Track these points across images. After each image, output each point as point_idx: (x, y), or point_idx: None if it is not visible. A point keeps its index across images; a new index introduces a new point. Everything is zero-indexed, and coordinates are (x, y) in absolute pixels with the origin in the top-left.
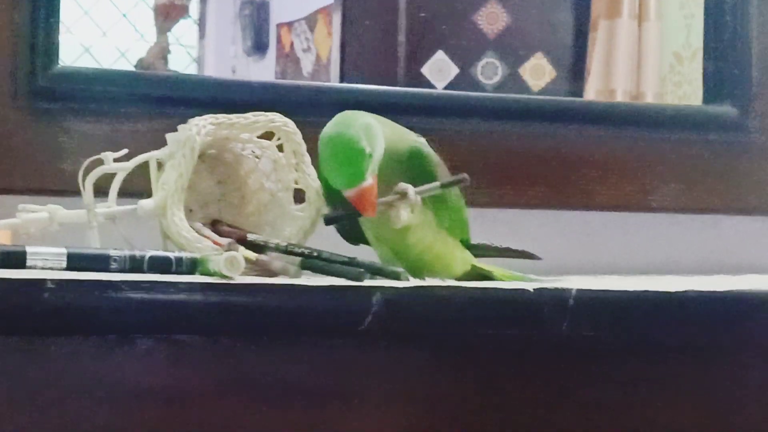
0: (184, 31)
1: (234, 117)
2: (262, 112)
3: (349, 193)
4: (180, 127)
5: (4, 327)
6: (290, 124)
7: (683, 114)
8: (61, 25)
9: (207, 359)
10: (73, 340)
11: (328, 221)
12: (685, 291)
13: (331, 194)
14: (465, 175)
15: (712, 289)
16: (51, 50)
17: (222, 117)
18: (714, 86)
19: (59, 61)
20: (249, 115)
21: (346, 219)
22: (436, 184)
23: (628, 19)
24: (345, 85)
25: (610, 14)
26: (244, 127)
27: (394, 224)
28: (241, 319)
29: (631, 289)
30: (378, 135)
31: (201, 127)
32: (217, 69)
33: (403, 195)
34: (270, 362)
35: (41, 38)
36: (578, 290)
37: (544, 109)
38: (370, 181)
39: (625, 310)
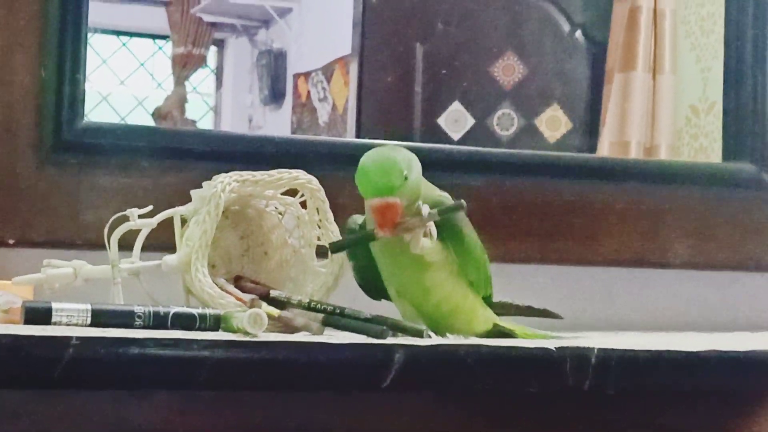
0: (201, 80)
1: (258, 174)
2: (287, 170)
3: (375, 201)
4: (205, 183)
5: (30, 382)
6: (314, 182)
7: (702, 170)
8: None
9: (230, 415)
10: (97, 396)
11: (335, 248)
12: (708, 351)
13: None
14: (462, 201)
15: (732, 348)
16: (76, 105)
17: (247, 174)
18: (733, 143)
19: (84, 116)
20: (273, 172)
21: (354, 244)
22: (451, 205)
23: (642, 72)
24: (361, 140)
25: (624, 67)
26: (268, 184)
27: (413, 249)
28: (264, 376)
29: (652, 347)
30: (417, 170)
31: (226, 185)
32: (233, 118)
33: (418, 213)
34: (293, 418)
35: (67, 93)
36: (600, 349)
37: (560, 164)
38: (398, 200)
39: (648, 369)
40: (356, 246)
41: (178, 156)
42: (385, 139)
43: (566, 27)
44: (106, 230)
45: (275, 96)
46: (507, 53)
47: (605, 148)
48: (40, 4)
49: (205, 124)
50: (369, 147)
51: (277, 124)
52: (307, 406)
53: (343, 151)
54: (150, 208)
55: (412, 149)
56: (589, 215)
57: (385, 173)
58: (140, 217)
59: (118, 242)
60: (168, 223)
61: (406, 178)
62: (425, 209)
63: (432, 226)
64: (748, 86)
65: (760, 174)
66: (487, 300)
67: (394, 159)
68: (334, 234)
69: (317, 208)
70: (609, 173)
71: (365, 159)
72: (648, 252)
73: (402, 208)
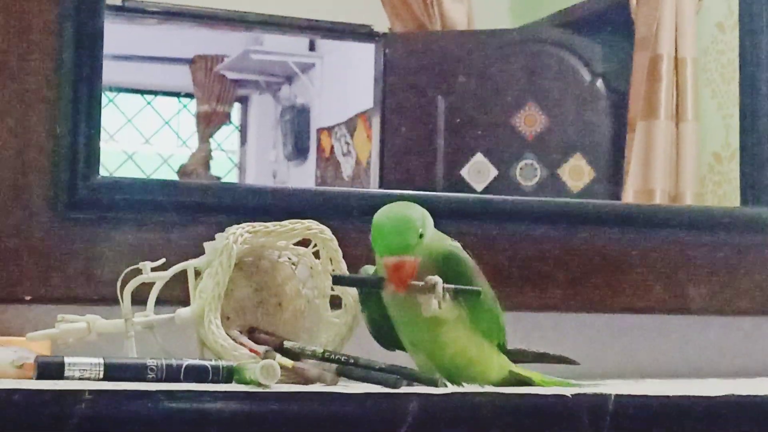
0: (225, 137)
1: (271, 225)
2: (299, 220)
3: (389, 260)
4: (217, 235)
5: None
6: (326, 231)
7: (720, 216)
8: (104, 133)
9: None
10: None
11: (337, 281)
12: (727, 395)
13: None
14: (479, 289)
15: (754, 393)
16: (91, 160)
17: (259, 225)
18: (751, 188)
19: (99, 171)
20: (286, 222)
21: (359, 284)
22: (469, 289)
23: (665, 120)
24: (384, 191)
25: (647, 115)
26: (281, 234)
27: (425, 311)
28: (278, 428)
29: (671, 394)
30: (430, 226)
31: (238, 236)
32: (258, 174)
33: (432, 287)
34: None
35: (82, 149)
36: (618, 396)
37: (582, 213)
38: (413, 258)
39: (667, 417)
40: (361, 286)
41: (195, 210)
42: (408, 191)
43: (587, 77)
44: (119, 284)
45: (299, 151)
46: (528, 104)
47: (629, 197)
48: (54, 60)
49: (230, 180)
50: (389, 197)
51: (302, 179)
52: None
53: (364, 202)
54: (163, 261)
55: (431, 199)
56: (608, 262)
57: (400, 232)
58: (153, 270)
59: (132, 296)
60: (182, 276)
61: (421, 236)
62: (440, 285)
63: (445, 294)
64: (763, 131)
65: None
66: (501, 347)
67: (409, 217)
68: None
69: (330, 258)
70: (627, 220)
71: (380, 216)
72: (668, 298)
73: (417, 266)
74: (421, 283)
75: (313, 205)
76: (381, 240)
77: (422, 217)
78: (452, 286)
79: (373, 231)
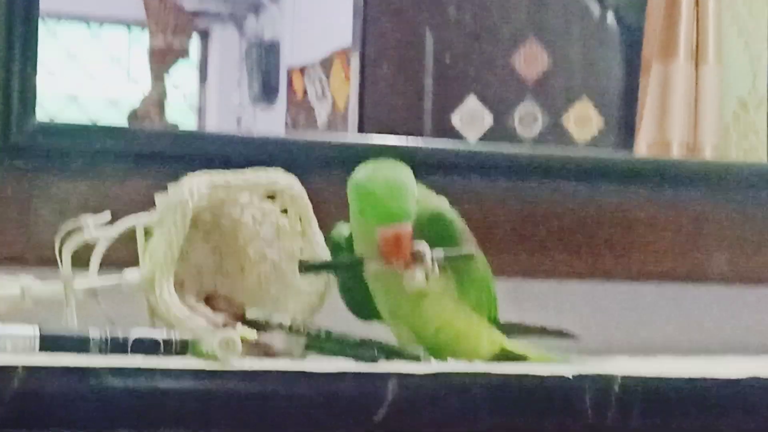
0: (182, 75)
1: (231, 177)
2: (263, 168)
3: (386, 230)
4: (171, 186)
5: None
6: (295, 185)
7: (744, 171)
8: (41, 70)
9: None
10: None
11: (304, 268)
12: (750, 378)
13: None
14: (472, 252)
15: None
16: (27, 101)
17: (218, 176)
18: None
19: (36, 114)
20: (248, 172)
21: (330, 269)
22: (456, 250)
23: (684, 62)
24: (361, 139)
25: (664, 56)
26: (243, 187)
27: (408, 287)
28: (238, 409)
29: (685, 374)
30: (415, 189)
31: (194, 190)
32: (219, 119)
33: (419, 257)
34: None
35: (16, 88)
36: (624, 376)
37: (588, 167)
38: (410, 228)
39: (682, 402)
40: (336, 270)
41: (145, 159)
42: (392, 140)
43: (596, 10)
44: (57, 243)
45: (267, 93)
46: (529, 40)
47: (643, 150)
48: None
49: (188, 126)
50: (368, 146)
51: (269, 125)
52: None
53: (340, 152)
54: (108, 216)
55: (418, 148)
56: (616, 224)
57: (396, 197)
58: (97, 227)
59: (72, 257)
60: (130, 235)
61: (417, 202)
62: (428, 253)
63: (436, 267)
64: None
65: None
66: (493, 320)
67: (402, 180)
68: (319, 246)
69: (300, 216)
70: (637, 175)
71: (368, 180)
72: (684, 264)
73: (411, 235)
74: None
75: (282, 154)
76: (375, 208)
77: (411, 178)
78: (441, 254)
79: (363, 197)
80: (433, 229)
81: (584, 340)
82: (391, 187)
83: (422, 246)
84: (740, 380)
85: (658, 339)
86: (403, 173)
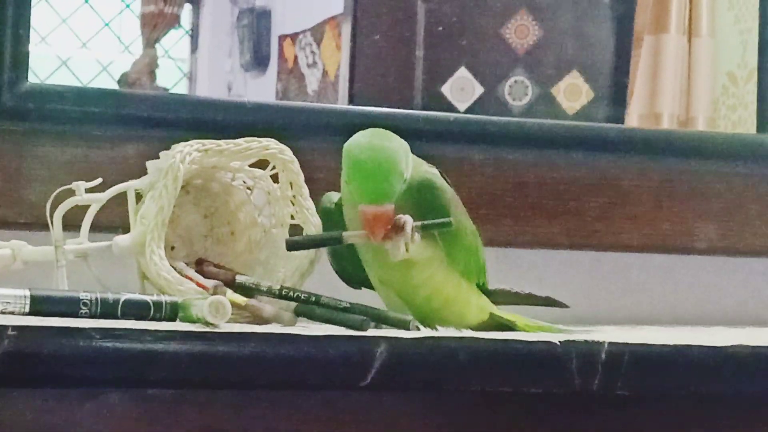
0: (174, 42)
1: (223, 143)
2: (255, 138)
3: (368, 209)
4: (162, 153)
5: None
6: (287, 152)
7: (732, 143)
8: (34, 35)
9: (187, 416)
10: (36, 394)
11: (292, 246)
12: (736, 346)
13: (330, 221)
14: (449, 219)
15: (764, 343)
16: (19, 65)
17: (210, 143)
18: None
19: (28, 77)
20: (240, 140)
21: (316, 245)
22: (438, 222)
23: (676, 35)
24: (352, 107)
25: (655, 28)
26: (235, 154)
27: (392, 257)
28: (227, 372)
29: (671, 342)
30: (411, 162)
31: (186, 154)
32: (210, 85)
33: (401, 228)
34: (259, 419)
35: (8, 51)
36: (611, 343)
37: (576, 136)
38: (392, 206)
39: (666, 367)
40: (320, 246)
41: (139, 124)
42: (382, 109)
43: None
44: (48, 206)
45: (258, 61)
46: (520, 12)
47: (633, 121)
48: None
49: (179, 92)
50: (359, 114)
51: (260, 92)
52: (275, 408)
53: (331, 120)
54: (99, 180)
55: (409, 117)
56: (604, 193)
57: (384, 177)
58: (88, 191)
59: (64, 221)
60: (121, 199)
61: (405, 181)
62: (409, 225)
63: (416, 236)
64: None
65: None
66: (482, 287)
67: (393, 159)
68: (309, 212)
69: (291, 182)
70: (626, 146)
71: (360, 153)
72: (673, 235)
73: (394, 212)
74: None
75: (273, 121)
76: (361, 183)
77: (405, 154)
78: (419, 222)
79: (351, 168)
80: (421, 197)
81: (571, 310)
82: (381, 166)
83: (404, 217)
84: (725, 347)
85: (645, 309)
86: (398, 149)
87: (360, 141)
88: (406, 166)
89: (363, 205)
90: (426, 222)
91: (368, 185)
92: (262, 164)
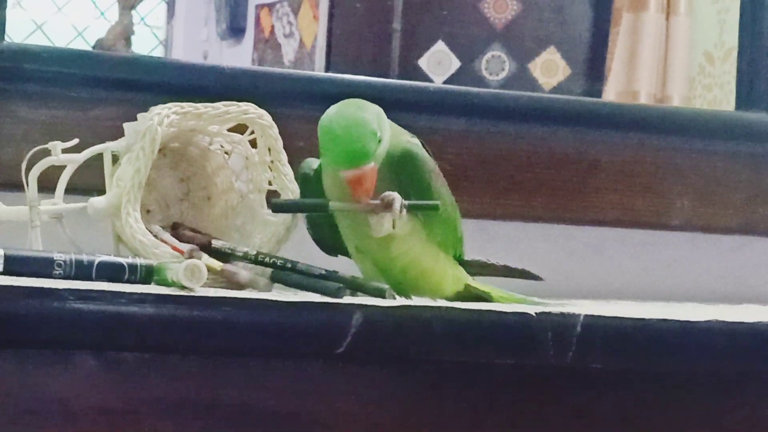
0: (150, 9)
1: (202, 106)
2: (234, 102)
3: (348, 173)
4: (140, 115)
5: None
6: (266, 117)
7: (711, 120)
8: None
9: (160, 380)
10: (7, 354)
11: (277, 208)
12: (708, 321)
13: (308, 188)
14: (437, 203)
15: (738, 319)
16: None
17: (188, 106)
18: (748, 90)
19: (4, 37)
20: (219, 104)
21: (300, 210)
22: (425, 204)
23: (655, 13)
24: (331, 74)
25: (635, 6)
26: (213, 118)
27: (375, 233)
28: (201, 336)
29: (646, 316)
30: (387, 126)
31: (163, 117)
32: (186, 53)
33: (388, 204)
34: (232, 386)
35: None
36: (586, 316)
37: (554, 110)
38: (373, 164)
39: (639, 341)
40: (305, 212)
41: (114, 86)
42: (360, 77)
43: None
44: (23, 166)
45: (234, 30)
46: None
47: (611, 99)
48: None
49: None
50: (335, 82)
51: (236, 61)
52: (249, 374)
53: (307, 87)
54: (76, 141)
55: (386, 86)
56: (581, 167)
57: (357, 138)
58: (64, 151)
59: (39, 181)
60: (97, 160)
61: (379, 141)
62: (398, 202)
63: (404, 214)
64: (766, 29)
65: None
66: (458, 258)
67: (364, 120)
68: (287, 178)
69: (269, 148)
70: (604, 120)
71: (330, 122)
72: (646, 211)
73: (375, 173)
74: (377, 201)
75: (251, 88)
76: (334, 149)
77: (377, 117)
78: (407, 202)
79: (323, 138)
80: (402, 168)
81: (546, 283)
82: (351, 128)
83: (392, 194)
84: (699, 322)
85: (619, 284)
86: (369, 112)
87: (330, 112)
88: (379, 126)
89: (342, 171)
90: (413, 202)
91: (341, 149)
92: (240, 129)
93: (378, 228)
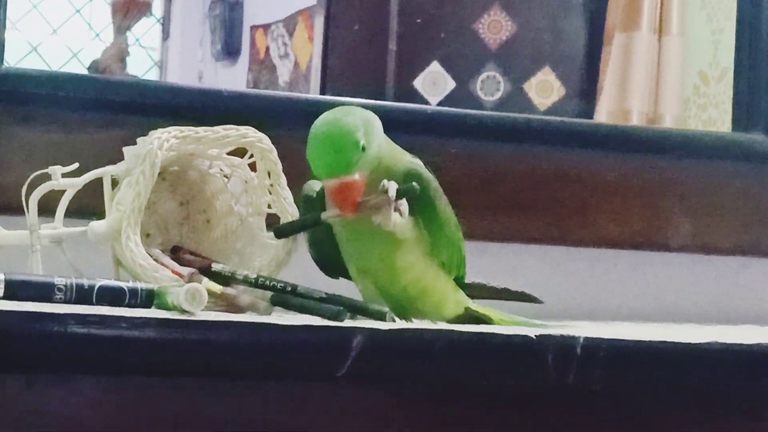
0: (145, 30)
1: (201, 130)
2: (234, 126)
3: (329, 183)
4: (139, 139)
5: None
6: (265, 140)
7: (708, 141)
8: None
9: (162, 403)
10: (8, 379)
11: (279, 233)
12: (708, 343)
13: (311, 210)
14: (414, 185)
15: (737, 341)
16: None
17: (188, 130)
18: (745, 111)
19: (3, 61)
20: (218, 128)
21: (301, 229)
22: (409, 186)
23: (647, 33)
24: (331, 97)
25: (627, 26)
26: (213, 141)
27: (384, 226)
28: (202, 360)
29: (646, 338)
30: (377, 133)
31: (163, 141)
32: (182, 74)
33: (385, 193)
34: (233, 409)
35: None
36: (587, 338)
37: (550, 131)
38: (356, 177)
39: (640, 362)
40: (305, 229)
41: (112, 109)
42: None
43: None
44: (24, 190)
45: (229, 51)
46: (493, 7)
47: (603, 118)
48: None
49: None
50: (330, 104)
51: (231, 82)
52: (250, 397)
53: (302, 109)
54: (76, 165)
55: (381, 108)
56: (580, 189)
57: (337, 148)
58: (64, 176)
59: (39, 205)
60: (97, 185)
61: (363, 149)
62: (392, 186)
63: (403, 202)
64: (763, 46)
65: None
66: (459, 281)
67: (346, 129)
68: (287, 201)
69: (268, 171)
70: (603, 141)
71: (314, 131)
72: (646, 232)
73: (363, 184)
74: (372, 197)
75: (248, 110)
76: (315, 160)
77: (363, 124)
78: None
79: (308, 148)
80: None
81: (545, 306)
82: (332, 137)
83: (389, 182)
84: (700, 344)
85: (619, 306)
86: (353, 119)
87: (318, 119)
88: (366, 134)
89: (325, 181)
90: (399, 187)
91: (320, 159)
92: (240, 153)
93: (386, 219)
